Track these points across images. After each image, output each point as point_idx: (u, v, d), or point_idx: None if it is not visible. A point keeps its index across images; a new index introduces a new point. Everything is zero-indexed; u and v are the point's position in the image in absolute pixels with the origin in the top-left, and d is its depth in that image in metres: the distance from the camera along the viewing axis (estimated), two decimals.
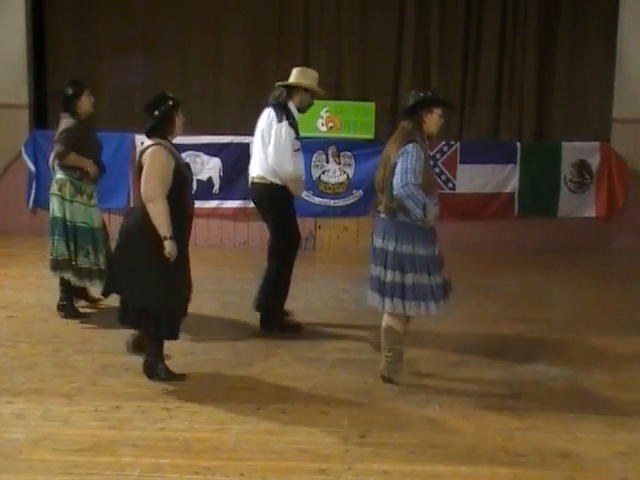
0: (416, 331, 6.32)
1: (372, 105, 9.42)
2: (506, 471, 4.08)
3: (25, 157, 9.73)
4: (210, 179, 9.52)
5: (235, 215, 9.45)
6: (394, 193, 4.98)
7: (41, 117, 10.18)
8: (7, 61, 9.82)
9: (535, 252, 9.39)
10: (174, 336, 5.14)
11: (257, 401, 4.86)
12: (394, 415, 4.72)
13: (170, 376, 5.16)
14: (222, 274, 7.53)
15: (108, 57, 10.34)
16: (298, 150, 6.18)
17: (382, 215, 5.13)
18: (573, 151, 9.72)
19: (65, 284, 6.50)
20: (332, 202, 9.45)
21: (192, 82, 10.27)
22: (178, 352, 5.71)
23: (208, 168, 9.52)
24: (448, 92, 10.38)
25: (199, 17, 10.34)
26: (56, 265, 6.42)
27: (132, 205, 4.95)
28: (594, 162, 9.72)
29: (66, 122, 6.43)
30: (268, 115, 6.15)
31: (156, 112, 5.11)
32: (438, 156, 9.55)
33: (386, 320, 5.20)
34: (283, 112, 6.08)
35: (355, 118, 9.42)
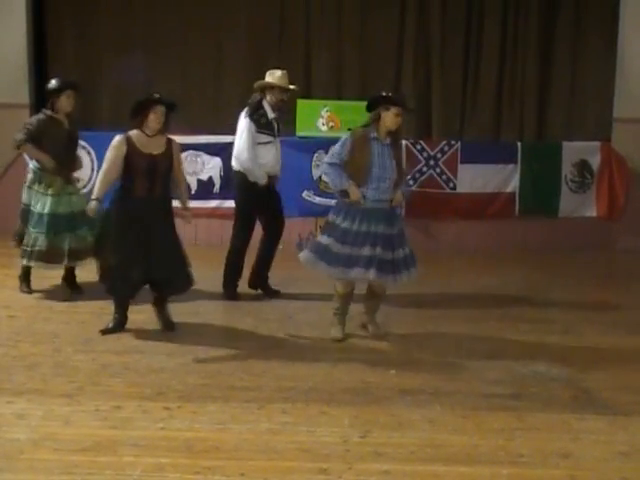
0: (416, 331, 6.35)
1: None
2: (506, 471, 4.08)
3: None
4: (211, 179, 9.52)
5: None
6: None
7: None
8: (8, 60, 9.82)
9: (536, 252, 9.38)
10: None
11: (258, 401, 4.87)
12: (394, 415, 4.72)
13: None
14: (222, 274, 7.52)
15: (109, 57, 10.33)
16: (268, 143, 6.95)
17: None
18: (574, 151, 9.72)
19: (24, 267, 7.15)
20: (333, 202, 9.39)
21: (193, 82, 10.27)
22: (178, 352, 5.73)
23: (209, 168, 9.51)
24: (449, 91, 10.44)
25: (200, 17, 10.33)
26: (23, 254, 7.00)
27: None
28: (595, 162, 9.71)
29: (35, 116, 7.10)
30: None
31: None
32: (439, 156, 9.55)
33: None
34: (251, 109, 6.94)
35: (356, 118, 9.30)
